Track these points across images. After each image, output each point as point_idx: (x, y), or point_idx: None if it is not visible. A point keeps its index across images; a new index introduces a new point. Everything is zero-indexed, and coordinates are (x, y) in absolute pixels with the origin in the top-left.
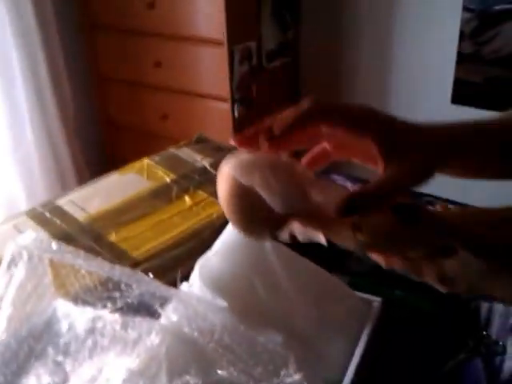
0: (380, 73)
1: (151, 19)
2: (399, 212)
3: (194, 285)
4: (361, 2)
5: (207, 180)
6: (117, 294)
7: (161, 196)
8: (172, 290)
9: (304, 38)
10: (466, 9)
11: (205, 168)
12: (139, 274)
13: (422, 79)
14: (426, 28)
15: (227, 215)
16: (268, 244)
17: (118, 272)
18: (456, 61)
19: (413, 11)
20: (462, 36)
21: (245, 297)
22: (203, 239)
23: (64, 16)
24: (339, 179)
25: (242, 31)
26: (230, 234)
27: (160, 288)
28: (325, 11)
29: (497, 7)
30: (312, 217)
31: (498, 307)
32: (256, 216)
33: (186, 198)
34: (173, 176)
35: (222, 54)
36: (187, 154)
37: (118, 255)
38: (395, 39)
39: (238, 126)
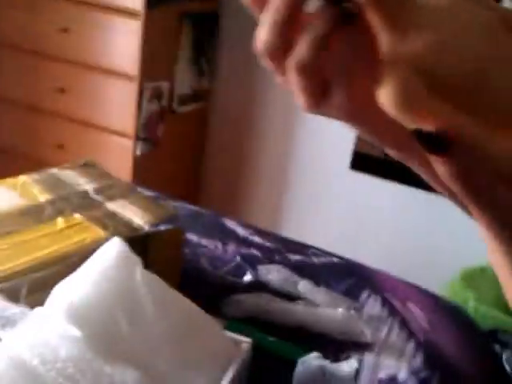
0: (285, 125)
1: (62, 44)
2: None
3: (48, 310)
4: None
5: (88, 204)
6: None
7: (31, 215)
8: (18, 314)
9: (218, 89)
10: None
11: (87, 192)
12: None
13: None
14: None
15: None
16: (139, 274)
17: None
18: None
19: None
20: None
21: (105, 330)
22: (70, 264)
23: None
24: (232, 224)
25: (155, 69)
26: (100, 259)
27: (7, 309)
28: (241, 66)
29: None
30: None
31: (368, 359)
32: None
33: (59, 221)
34: (48, 196)
35: (131, 89)
36: (70, 176)
37: None
38: None
39: (139, 165)
